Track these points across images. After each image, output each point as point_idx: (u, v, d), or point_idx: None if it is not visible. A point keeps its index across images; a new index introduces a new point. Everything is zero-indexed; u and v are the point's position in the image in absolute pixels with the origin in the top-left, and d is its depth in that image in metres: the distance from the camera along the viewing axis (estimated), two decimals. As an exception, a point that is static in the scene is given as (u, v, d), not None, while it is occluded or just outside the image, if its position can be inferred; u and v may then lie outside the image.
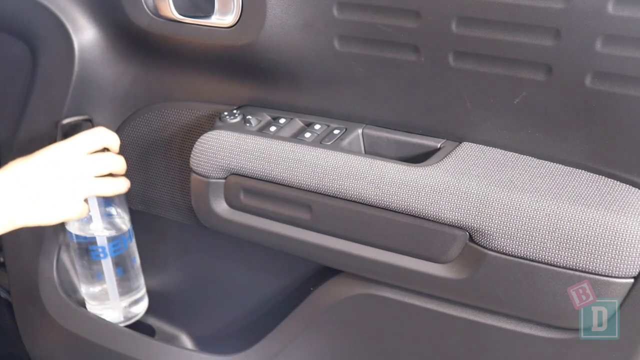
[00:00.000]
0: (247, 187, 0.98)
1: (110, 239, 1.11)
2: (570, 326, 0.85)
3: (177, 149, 1.11)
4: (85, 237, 1.12)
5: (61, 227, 1.19)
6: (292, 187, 0.94)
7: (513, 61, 0.84)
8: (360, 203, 0.90)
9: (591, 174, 0.86)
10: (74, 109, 1.13)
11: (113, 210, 1.13)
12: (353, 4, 0.90)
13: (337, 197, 0.92)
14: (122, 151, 1.15)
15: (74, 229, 1.12)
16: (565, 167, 0.87)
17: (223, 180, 1.00)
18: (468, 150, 0.91)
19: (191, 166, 1.01)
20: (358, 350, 1.04)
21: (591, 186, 0.84)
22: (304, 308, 1.05)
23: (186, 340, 1.26)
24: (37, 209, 0.96)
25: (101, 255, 1.12)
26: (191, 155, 1.01)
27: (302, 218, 0.95)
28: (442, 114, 0.93)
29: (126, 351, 1.16)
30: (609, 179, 0.85)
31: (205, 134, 1.00)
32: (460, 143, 0.92)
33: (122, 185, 1.06)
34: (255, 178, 0.97)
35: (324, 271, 1.04)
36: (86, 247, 1.13)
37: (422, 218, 0.87)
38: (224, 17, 0.97)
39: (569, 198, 0.82)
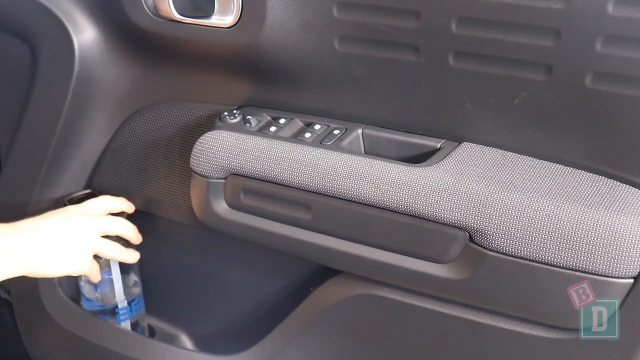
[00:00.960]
0: (247, 187, 0.98)
1: (131, 300, 1.18)
2: (570, 326, 0.85)
3: (177, 149, 1.11)
4: (103, 306, 1.17)
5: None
6: (292, 187, 0.94)
7: (513, 61, 0.84)
8: (360, 203, 0.90)
9: (591, 174, 0.86)
10: (74, 109, 1.13)
11: (131, 278, 1.18)
12: (353, 4, 0.90)
13: (337, 197, 0.92)
14: (122, 151, 1.16)
15: (95, 299, 1.17)
16: (565, 167, 0.87)
17: (223, 181, 1.00)
18: (468, 150, 0.91)
19: (191, 166, 1.01)
20: (358, 350, 1.04)
21: (591, 186, 0.84)
22: (304, 308, 1.05)
23: (186, 340, 1.26)
24: (45, 262, 0.98)
25: (125, 316, 1.17)
26: (191, 156, 1.01)
27: (302, 218, 0.95)
28: (442, 114, 0.93)
29: (126, 351, 1.16)
30: (609, 179, 0.85)
31: (205, 134, 1.00)
32: (460, 143, 0.92)
33: (131, 256, 1.09)
34: (255, 178, 0.97)
35: (324, 271, 1.04)
36: (110, 311, 1.18)
37: (422, 218, 0.87)
38: (224, 18, 0.97)
39: (569, 198, 0.82)
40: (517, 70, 0.84)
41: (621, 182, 0.84)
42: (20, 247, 0.96)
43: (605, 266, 0.79)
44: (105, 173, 1.19)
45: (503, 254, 0.84)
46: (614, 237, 0.78)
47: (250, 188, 0.98)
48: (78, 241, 1.01)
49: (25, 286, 1.23)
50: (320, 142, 0.96)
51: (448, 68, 0.87)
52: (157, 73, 1.11)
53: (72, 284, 1.22)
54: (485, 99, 0.88)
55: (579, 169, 0.87)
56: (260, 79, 1.03)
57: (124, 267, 1.15)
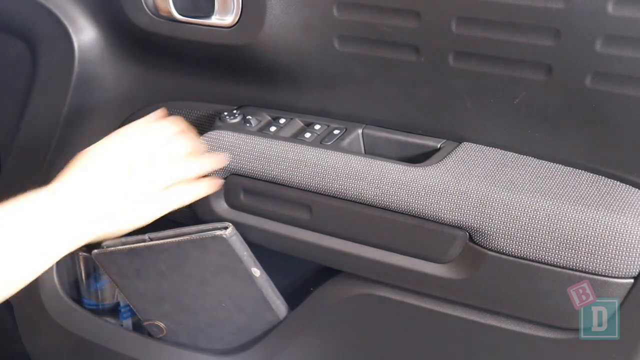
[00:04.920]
0: (247, 187, 0.98)
1: None
2: (570, 326, 0.85)
3: (177, 149, 1.11)
4: (105, 305, 1.17)
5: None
6: (292, 187, 0.94)
7: (513, 61, 0.84)
8: (360, 203, 0.90)
9: (591, 174, 0.86)
10: (74, 109, 1.13)
11: None
12: (353, 4, 0.90)
13: (337, 197, 0.92)
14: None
15: (96, 297, 1.18)
16: (565, 167, 0.87)
17: (223, 180, 1.00)
18: (468, 150, 0.91)
19: (191, 166, 1.01)
20: (358, 350, 1.04)
21: (591, 186, 0.84)
22: (304, 308, 1.05)
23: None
24: (109, 219, 0.77)
25: (128, 314, 1.17)
26: (191, 155, 1.01)
27: (302, 218, 0.95)
28: (442, 114, 0.93)
29: (126, 351, 1.16)
30: (609, 179, 0.85)
31: (205, 134, 1.00)
32: (460, 143, 0.92)
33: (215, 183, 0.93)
34: (255, 178, 0.97)
35: (324, 271, 1.03)
36: (112, 309, 1.18)
37: (422, 218, 0.87)
38: (224, 17, 0.97)
39: (569, 198, 0.82)
40: (517, 70, 0.84)
41: (621, 182, 0.84)
42: (74, 205, 0.74)
43: (605, 266, 0.79)
44: (105, 173, 1.18)
45: (503, 253, 0.84)
46: (614, 237, 0.78)
47: (250, 188, 0.98)
48: (153, 180, 0.77)
49: (25, 286, 1.23)
50: (320, 142, 0.96)
51: (448, 68, 0.87)
52: (157, 73, 1.11)
53: (72, 284, 1.22)
54: (485, 99, 0.88)
55: (579, 169, 0.87)
56: (260, 79, 1.03)
57: None
